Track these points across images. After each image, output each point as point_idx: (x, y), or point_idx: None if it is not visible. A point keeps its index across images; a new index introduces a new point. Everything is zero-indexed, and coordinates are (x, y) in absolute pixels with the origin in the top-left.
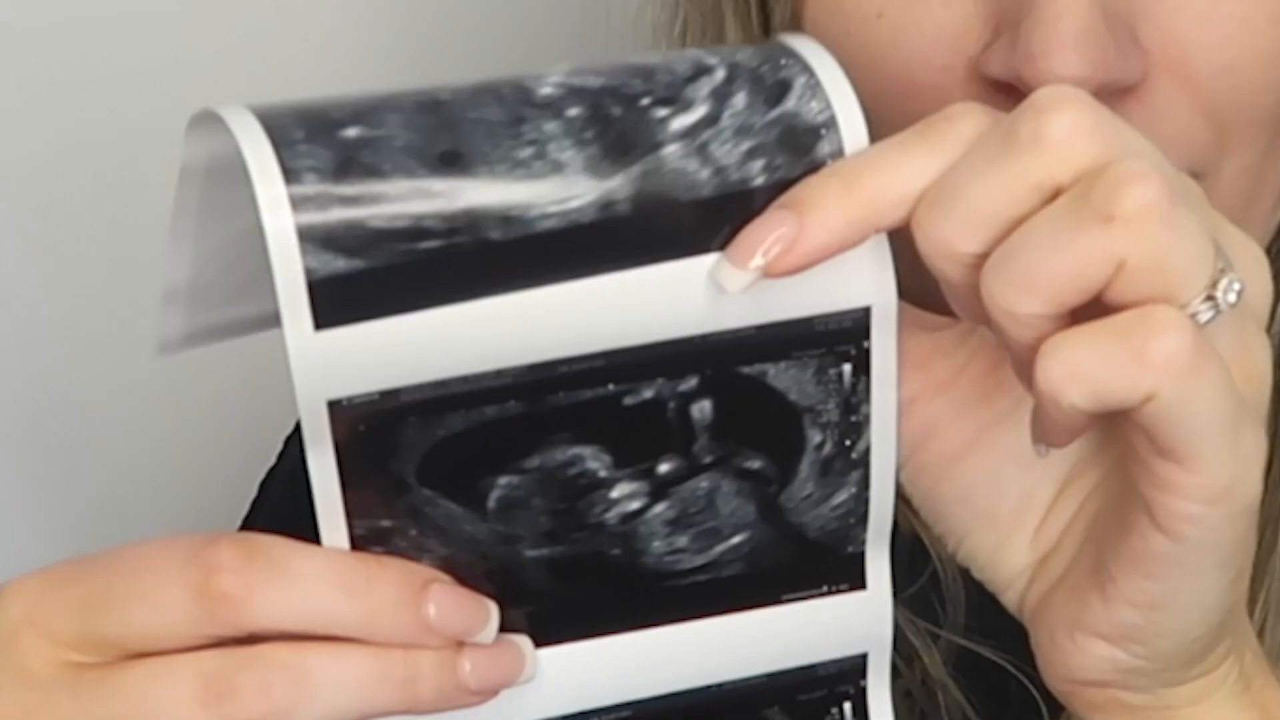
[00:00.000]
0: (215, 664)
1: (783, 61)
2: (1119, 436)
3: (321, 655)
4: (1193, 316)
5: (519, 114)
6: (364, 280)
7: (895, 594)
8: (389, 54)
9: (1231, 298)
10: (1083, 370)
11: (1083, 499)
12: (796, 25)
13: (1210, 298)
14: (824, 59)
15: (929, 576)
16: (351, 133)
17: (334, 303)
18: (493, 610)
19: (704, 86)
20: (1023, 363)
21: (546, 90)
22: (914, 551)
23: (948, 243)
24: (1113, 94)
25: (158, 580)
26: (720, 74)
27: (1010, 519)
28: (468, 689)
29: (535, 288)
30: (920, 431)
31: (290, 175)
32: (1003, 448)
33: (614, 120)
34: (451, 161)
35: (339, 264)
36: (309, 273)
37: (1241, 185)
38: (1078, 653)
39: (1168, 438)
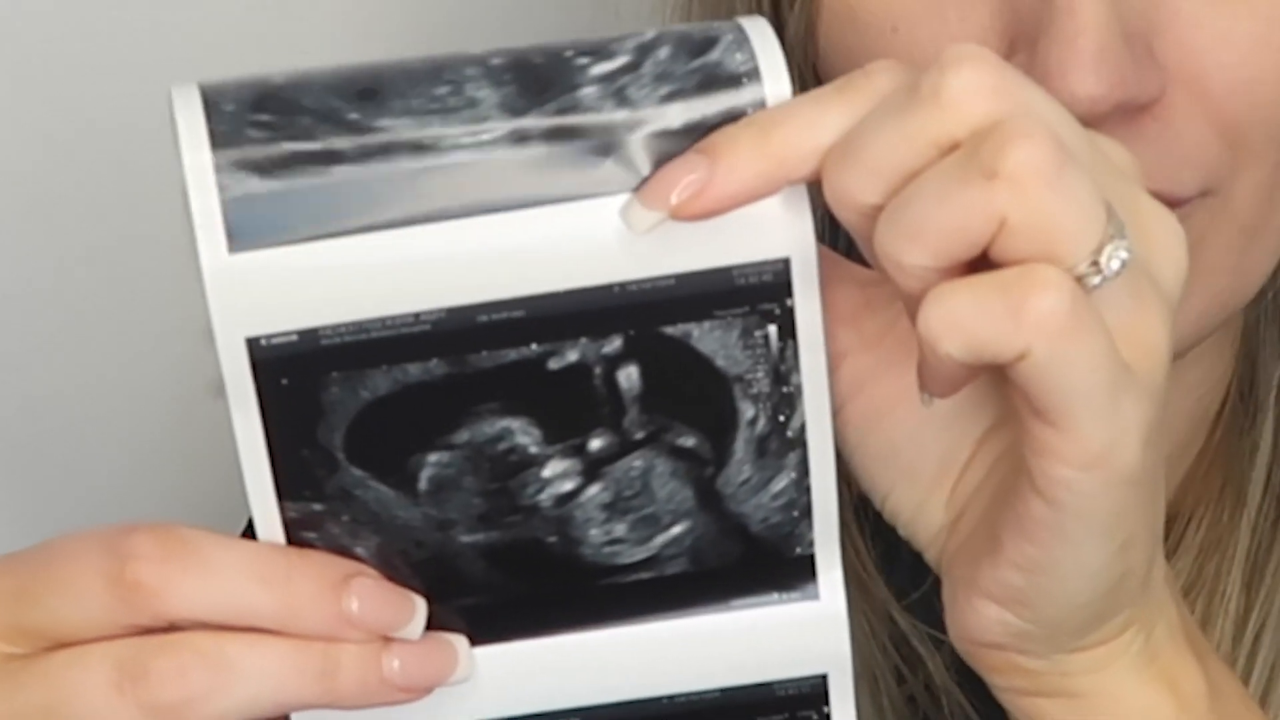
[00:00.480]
0: (131, 650)
1: (715, 24)
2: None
3: (239, 643)
4: (1079, 280)
5: (443, 63)
6: (278, 203)
7: (900, 599)
8: (396, 50)
9: (1115, 264)
10: (960, 320)
11: (993, 461)
12: (810, 36)
13: (1095, 263)
14: (757, 21)
15: (932, 582)
16: (278, 79)
17: (248, 224)
18: (419, 606)
19: (630, 41)
20: (913, 313)
21: (480, 51)
22: (918, 557)
23: (850, 194)
24: (1129, 110)
25: (77, 570)
26: (650, 34)
27: (931, 478)
28: (394, 685)
29: (449, 220)
30: (848, 386)
31: (210, 108)
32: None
33: (534, 66)
34: (368, 96)
35: (253, 185)
36: (223, 191)
37: (1256, 200)
38: (972, 613)
39: (1041, 398)
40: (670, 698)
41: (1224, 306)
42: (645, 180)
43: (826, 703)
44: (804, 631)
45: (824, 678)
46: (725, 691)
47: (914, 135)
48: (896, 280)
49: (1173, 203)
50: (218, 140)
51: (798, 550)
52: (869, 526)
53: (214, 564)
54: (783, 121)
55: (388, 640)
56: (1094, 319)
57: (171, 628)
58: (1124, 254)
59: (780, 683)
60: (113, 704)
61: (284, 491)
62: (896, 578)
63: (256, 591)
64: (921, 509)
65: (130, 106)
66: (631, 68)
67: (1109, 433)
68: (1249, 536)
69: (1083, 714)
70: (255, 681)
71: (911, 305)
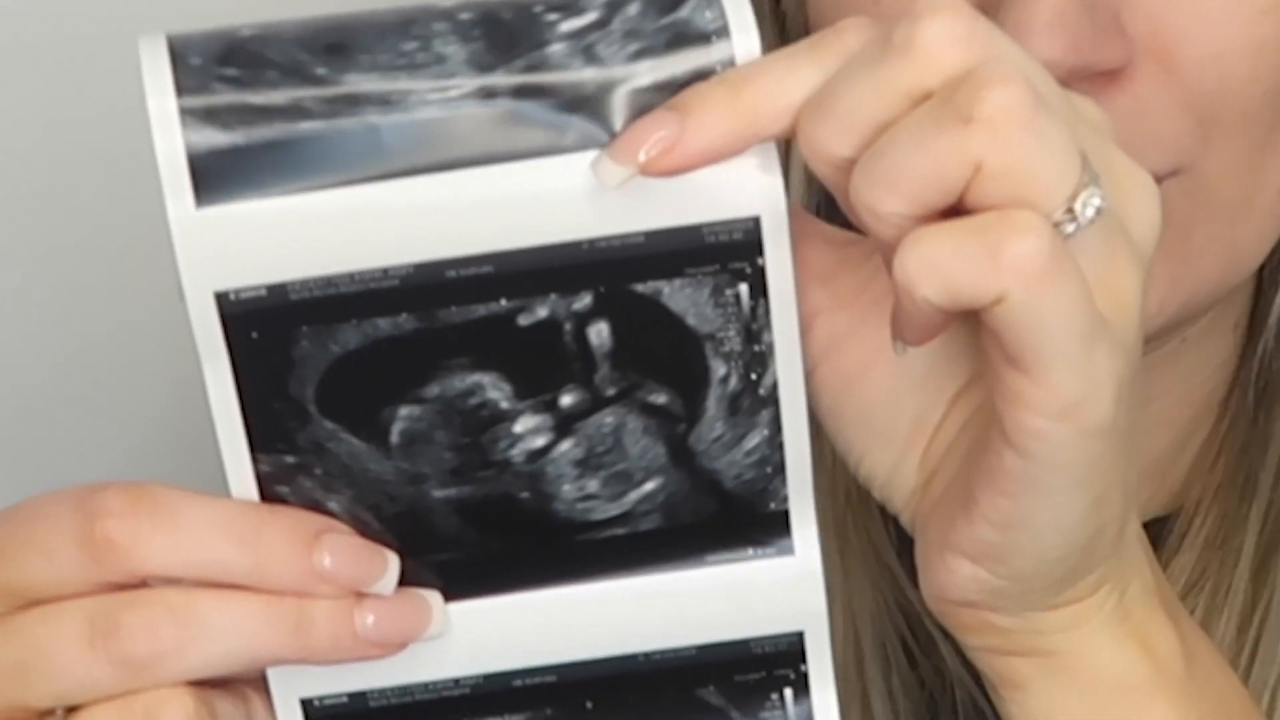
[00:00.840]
0: (102, 605)
1: None
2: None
3: (211, 598)
4: (1054, 227)
5: (411, 16)
6: (245, 157)
7: (915, 585)
8: None
9: (1090, 212)
10: (938, 264)
11: (965, 420)
12: (801, 7)
13: (1070, 210)
14: None
15: None
16: (246, 31)
17: (215, 178)
18: (392, 561)
19: None
20: (889, 262)
21: (448, 4)
22: None
23: (824, 147)
24: (1094, 80)
25: (49, 529)
26: None
27: (905, 438)
28: (368, 641)
29: (417, 175)
30: (823, 346)
31: (177, 60)
32: (900, 367)
33: (503, 22)
34: (336, 51)
35: (219, 139)
36: (189, 146)
37: (1233, 178)
38: (946, 571)
39: (1016, 344)
40: (647, 655)
41: (1216, 285)
42: (615, 136)
43: (804, 660)
44: (779, 588)
45: (800, 635)
46: (702, 649)
47: (886, 86)
48: (873, 229)
49: None
50: (184, 94)
51: (772, 506)
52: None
53: (185, 520)
54: (754, 78)
55: (360, 596)
56: (1071, 265)
57: (144, 585)
58: (1098, 201)
59: (757, 640)
60: (84, 659)
61: (256, 444)
62: (908, 560)
63: (228, 547)
64: (896, 470)
65: (121, 98)
66: (600, 24)
67: (1083, 382)
68: (1258, 531)
69: (1056, 673)
70: (227, 636)
71: (888, 254)
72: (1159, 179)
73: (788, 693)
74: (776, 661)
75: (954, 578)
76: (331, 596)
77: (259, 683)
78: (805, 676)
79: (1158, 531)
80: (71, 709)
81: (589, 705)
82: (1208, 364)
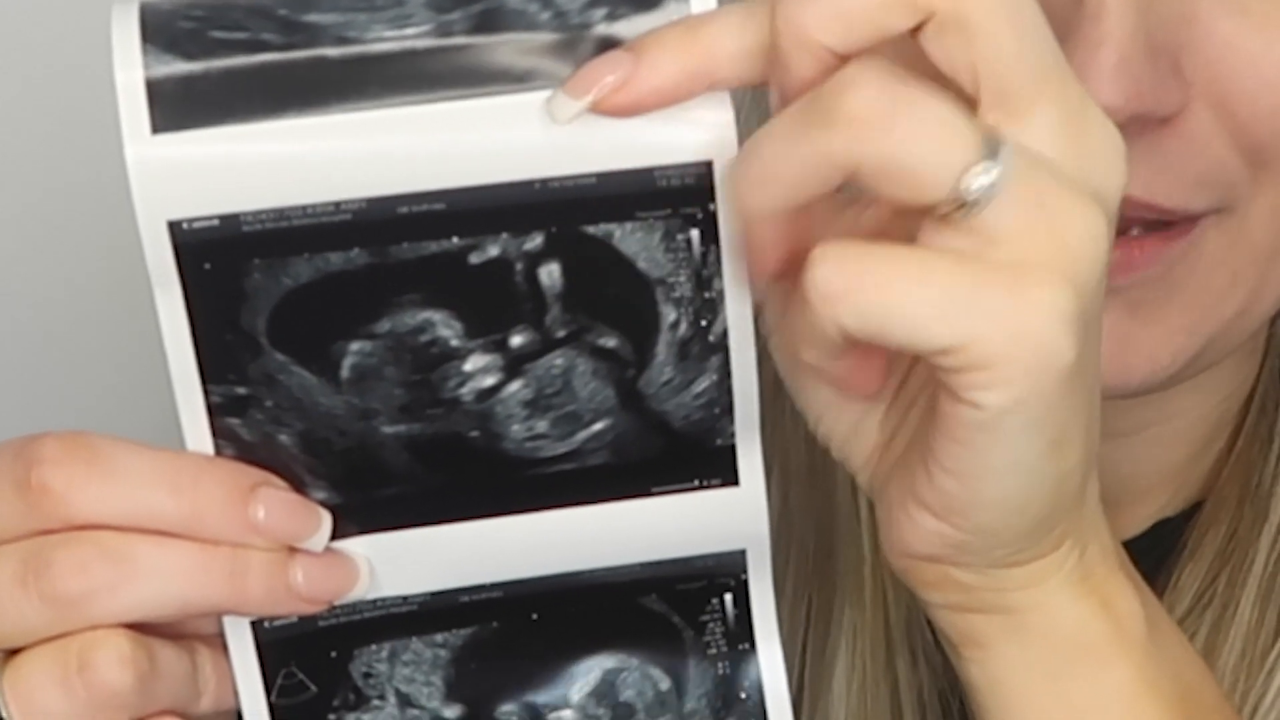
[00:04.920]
0: (36, 546)
1: None
2: None
3: (145, 541)
4: (957, 207)
5: None
6: (202, 85)
7: None
8: None
9: (977, 185)
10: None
11: (928, 376)
12: None
13: (956, 193)
14: None
15: None
16: None
17: (172, 105)
18: (324, 519)
19: None
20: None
21: None
22: None
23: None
24: (1147, 123)
25: None
26: None
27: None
28: (299, 596)
29: (370, 109)
30: (782, 303)
31: (145, 9)
32: None
33: None
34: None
35: (178, 67)
36: (148, 71)
37: (1274, 223)
38: (910, 525)
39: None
40: (591, 571)
41: (1234, 333)
42: (571, 74)
43: (744, 571)
44: (723, 514)
45: (742, 552)
46: (645, 565)
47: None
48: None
49: (1185, 219)
50: (148, 30)
51: (718, 442)
52: None
53: (121, 468)
54: (710, 22)
55: (292, 551)
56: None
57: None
58: (987, 179)
59: (700, 557)
60: (15, 598)
61: (207, 375)
62: None
63: (163, 496)
64: (857, 429)
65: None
66: None
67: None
68: (1267, 550)
69: (1017, 629)
70: (160, 578)
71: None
72: (1201, 215)
73: (727, 598)
74: (717, 572)
75: (918, 531)
76: (266, 549)
77: (210, 638)
78: (745, 584)
79: (1169, 531)
80: (11, 653)
81: (534, 617)
82: (1227, 384)
